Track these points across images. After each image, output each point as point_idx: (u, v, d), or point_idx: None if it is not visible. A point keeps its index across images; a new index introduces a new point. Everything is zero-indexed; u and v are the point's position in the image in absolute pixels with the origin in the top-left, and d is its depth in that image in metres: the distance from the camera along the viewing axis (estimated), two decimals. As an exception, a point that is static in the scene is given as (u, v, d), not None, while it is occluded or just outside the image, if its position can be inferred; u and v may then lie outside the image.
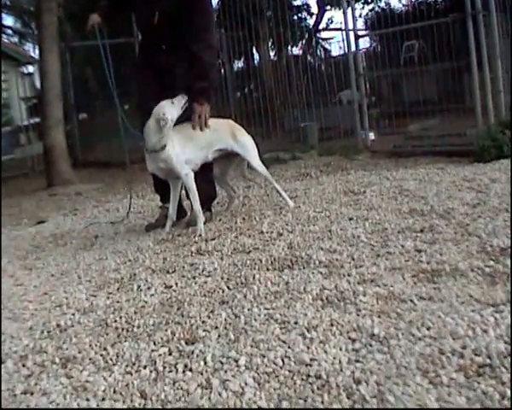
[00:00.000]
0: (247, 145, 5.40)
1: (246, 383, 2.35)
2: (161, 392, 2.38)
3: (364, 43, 16.51)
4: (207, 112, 5.22)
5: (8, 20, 25.46)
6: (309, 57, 16.85)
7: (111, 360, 2.76)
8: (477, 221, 4.20)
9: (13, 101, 20.50)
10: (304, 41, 18.04)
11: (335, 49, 20.53)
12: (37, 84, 16.51)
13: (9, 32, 26.00)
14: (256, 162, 5.44)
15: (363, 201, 5.31)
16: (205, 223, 5.17)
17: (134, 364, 2.68)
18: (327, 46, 19.93)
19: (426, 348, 2.43)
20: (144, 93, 5.51)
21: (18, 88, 17.98)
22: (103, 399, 2.41)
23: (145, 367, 2.62)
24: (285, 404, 2.19)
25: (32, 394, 2.55)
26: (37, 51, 14.67)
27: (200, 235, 4.88)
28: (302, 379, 2.33)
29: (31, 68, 25.57)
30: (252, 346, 2.67)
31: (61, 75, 11.54)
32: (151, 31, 5.45)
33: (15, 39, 26.91)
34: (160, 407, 2.30)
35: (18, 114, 19.27)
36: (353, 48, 9.74)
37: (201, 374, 2.48)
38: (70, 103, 13.39)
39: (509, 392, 2.05)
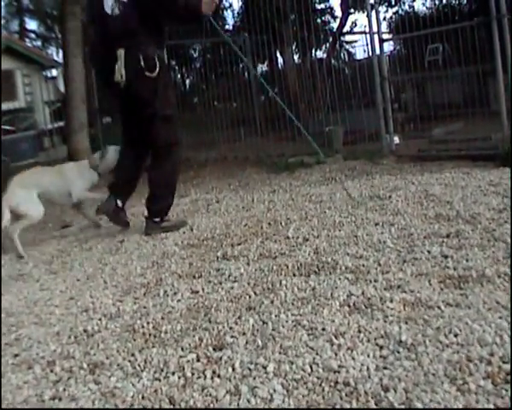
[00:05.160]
0: None
1: (274, 390, 2.36)
2: (190, 398, 2.40)
3: (388, 46, 16.49)
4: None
5: (32, 25, 25.75)
6: (333, 61, 16.83)
7: (139, 365, 2.78)
8: (503, 226, 4.18)
9: (37, 104, 20.71)
10: (328, 44, 18.02)
11: (359, 53, 20.43)
12: (62, 88, 16.69)
13: (33, 35, 26.23)
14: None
15: (389, 206, 5.29)
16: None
17: (162, 370, 2.69)
18: (351, 49, 19.95)
19: (453, 355, 2.43)
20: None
21: (42, 92, 18.14)
22: (132, 405, 2.43)
23: (173, 373, 2.64)
24: (313, 411, 2.20)
25: (60, 399, 2.58)
26: (60, 55, 14.78)
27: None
28: (330, 386, 2.34)
29: (54, 72, 25.84)
30: (280, 352, 2.67)
31: (85, 79, 11.62)
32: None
33: (39, 43, 27.13)
34: (188, 413, 2.32)
35: (42, 117, 19.46)
36: (378, 51, 9.68)
37: (230, 381, 2.49)
38: (94, 107, 13.47)
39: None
